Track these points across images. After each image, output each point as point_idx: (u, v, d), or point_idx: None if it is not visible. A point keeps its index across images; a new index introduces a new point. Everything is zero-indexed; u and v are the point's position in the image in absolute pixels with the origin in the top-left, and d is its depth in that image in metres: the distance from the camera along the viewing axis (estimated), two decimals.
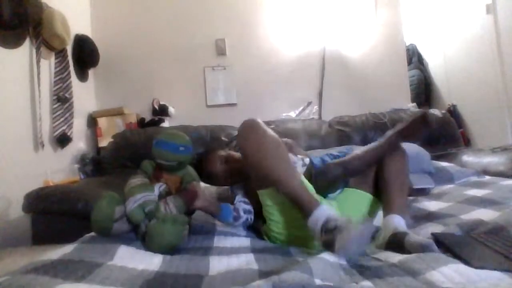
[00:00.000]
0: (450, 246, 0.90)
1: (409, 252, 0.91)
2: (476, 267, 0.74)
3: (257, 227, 1.31)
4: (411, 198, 1.69)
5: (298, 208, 1.04)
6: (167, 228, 0.94)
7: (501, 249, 0.84)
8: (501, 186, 1.62)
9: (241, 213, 1.22)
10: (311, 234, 1.01)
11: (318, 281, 0.70)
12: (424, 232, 1.14)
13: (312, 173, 1.31)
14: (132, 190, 1.00)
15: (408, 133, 1.24)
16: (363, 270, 0.82)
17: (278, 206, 1.15)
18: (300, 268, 0.74)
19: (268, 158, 1.07)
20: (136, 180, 1.05)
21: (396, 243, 0.98)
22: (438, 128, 2.52)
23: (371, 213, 1.26)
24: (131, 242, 0.96)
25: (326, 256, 0.86)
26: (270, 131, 1.14)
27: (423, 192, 1.80)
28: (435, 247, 0.90)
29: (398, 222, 1.09)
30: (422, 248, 0.90)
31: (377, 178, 1.27)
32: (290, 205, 1.09)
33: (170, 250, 0.93)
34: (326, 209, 0.98)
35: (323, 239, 0.93)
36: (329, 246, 0.90)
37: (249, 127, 1.15)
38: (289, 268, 0.74)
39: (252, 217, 1.25)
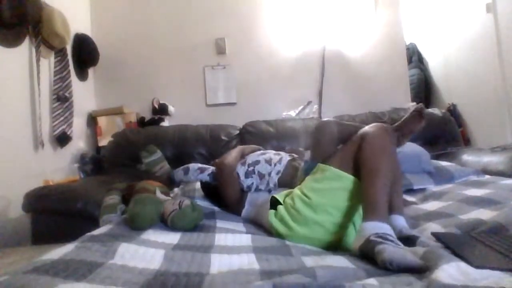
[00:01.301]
0: (451, 246, 0.90)
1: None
2: (477, 266, 0.75)
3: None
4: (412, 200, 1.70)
5: (367, 205, 1.02)
6: (191, 213, 1.19)
7: (501, 249, 0.84)
8: (501, 185, 1.62)
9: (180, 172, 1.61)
10: (346, 235, 1.07)
11: (320, 281, 0.70)
12: (425, 233, 1.14)
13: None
14: (102, 210, 1.42)
15: (407, 130, 1.32)
16: (370, 273, 0.81)
17: (340, 191, 1.15)
18: (303, 273, 0.74)
19: (389, 158, 1.12)
20: (108, 199, 1.44)
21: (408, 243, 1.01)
22: (438, 128, 2.52)
23: (354, 197, 1.19)
24: (132, 240, 0.96)
25: (333, 261, 0.87)
26: None
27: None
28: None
29: (402, 223, 1.13)
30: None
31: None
32: (350, 199, 1.12)
33: (192, 227, 1.20)
34: (390, 229, 0.97)
35: (368, 241, 0.90)
36: (368, 244, 0.88)
37: (392, 133, 1.22)
38: (291, 272, 0.75)
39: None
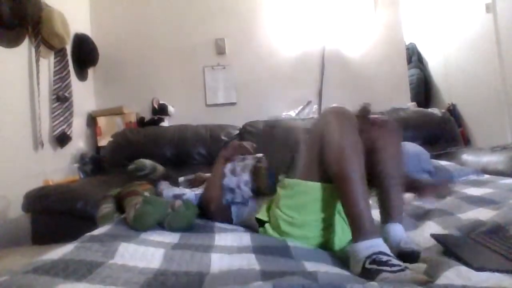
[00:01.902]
0: (450, 248, 0.90)
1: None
2: (477, 268, 0.74)
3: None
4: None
5: (351, 222, 0.96)
6: (186, 212, 1.21)
7: (501, 250, 0.84)
8: (500, 184, 1.62)
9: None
10: (344, 252, 1.00)
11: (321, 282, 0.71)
12: (424, 234, 1.13)
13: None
14: (98, 220, 1.36)
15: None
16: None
17: (314, 203, 1.09)
18: (304, 276, 0.74)
19: (352, 155, 0.99)
20: (103, 208, 1.39)
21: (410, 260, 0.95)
22: (437, 128, 2.52)
23: (329, 202, 1.11)
24: (132, 240, 0.96)
25: (336, 267, 0.86)
26: None
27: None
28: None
29: (400, 235, 1.05)
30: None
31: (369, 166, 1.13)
32: (326, 206, 1.07)
33: (189, 226, 1.21)
34: (383, 243, 0.90)
35: (365, 270, 0.84)
36: (368, 274, 0.83)
37: (344, 115, 1.06)
38: (292, 274, 0.75)
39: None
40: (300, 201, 1.11)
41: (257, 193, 1.39)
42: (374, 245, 0.88)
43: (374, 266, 0.83)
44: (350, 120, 1.06)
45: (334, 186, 1.03)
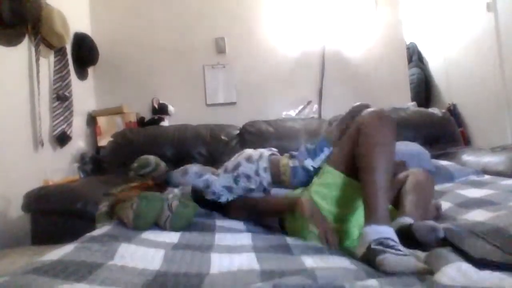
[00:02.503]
0: (451, 239, 0.90)
1: (417, 239, 0.94)
2: (477, 260, 0.75)
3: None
4: None
5: (367, 207, 1.01)
6: (185, 211, 1.20)
7: (501, 245, 0.84)
8: (500, 185, 1.62)
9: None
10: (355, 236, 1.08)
11: (321, 282, 0.70)
12: None
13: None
14: (97, 217, 1.34)
15: None
16: (371, 273, 0.81)
17: (341, 194, 1.18)
18: (303, 274, 0.74)
19: (384, 151, 1.06)
20: (102, 206, 1.37)
21: (404, 232, 0.98)
22: (438, 127, 2.52)
23: (349, 196, 1.20)
24: (131, 240, 0.96)
25: (335, 261, 0.87)
26: None
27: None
28: (441, 231, 0.92)
29: (400, 220, 1.10)
30: (430, 229, 0.93)
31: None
32: (348, 200, 1.16)
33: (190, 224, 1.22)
34: (393, 232, 0.94)
35: (369, 249, 0.89)
36: (371, 254, 0.87)
37: (390, 121, 1.14)
38: (292, 273, 0.74)
39: None
40: (333, 193, 1.19)
41: (275, 182, 1.41)
42: (385, 231, 0.92)
43: (380, 247, 0.86)
44: (392, 125, 1.13)
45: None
